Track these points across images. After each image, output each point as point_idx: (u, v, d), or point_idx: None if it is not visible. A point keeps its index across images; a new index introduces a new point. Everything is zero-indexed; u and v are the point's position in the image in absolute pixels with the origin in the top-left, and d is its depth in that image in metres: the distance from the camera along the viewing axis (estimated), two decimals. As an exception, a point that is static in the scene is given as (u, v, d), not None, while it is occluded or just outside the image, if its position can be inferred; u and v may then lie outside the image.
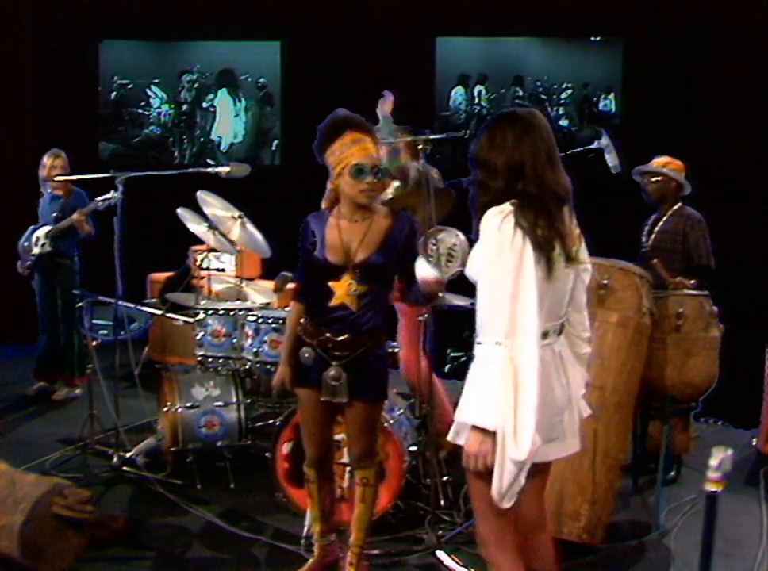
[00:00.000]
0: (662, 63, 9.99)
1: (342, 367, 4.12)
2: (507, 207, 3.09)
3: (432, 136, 4.83)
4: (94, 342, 6.46)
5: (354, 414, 4.24)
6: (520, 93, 11.15)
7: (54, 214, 7.43)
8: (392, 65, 10.16)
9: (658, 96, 9.99)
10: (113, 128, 11.66)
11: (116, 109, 11.63)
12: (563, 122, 11.16)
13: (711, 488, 2.29)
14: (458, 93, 11.33)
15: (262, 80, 11.65)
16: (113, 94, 11.53)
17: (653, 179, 6.02)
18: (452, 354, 9.05)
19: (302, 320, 4.23)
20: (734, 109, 9.43)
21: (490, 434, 3.00)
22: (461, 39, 11.04)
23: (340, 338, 4.11)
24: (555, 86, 11.15)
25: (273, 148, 11.76)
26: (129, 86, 11.62)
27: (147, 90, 11.69)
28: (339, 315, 4.09)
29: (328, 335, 4.11)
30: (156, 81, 11.66)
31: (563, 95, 11.14)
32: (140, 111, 11.72)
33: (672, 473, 5.91)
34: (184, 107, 11.61)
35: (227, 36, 11.24)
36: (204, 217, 6.53)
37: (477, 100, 11.33)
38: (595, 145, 5.29)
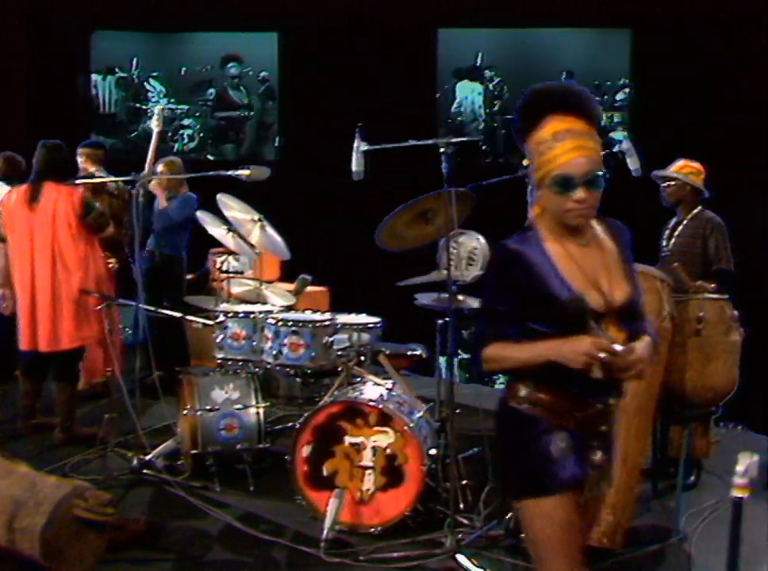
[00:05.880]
0: (673, 53, 9.97)
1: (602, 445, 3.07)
2: None
3: (453, 140, 4.80)
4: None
5: (598, 501, 3.23)
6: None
7: None
8: (393, 55, 10.18)
9: (670, 87, 9.97)
10: (111, 123, 11.68)
11: (114, 104, 11.65)
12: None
13: (737, 494, 2.27)
14: (473, 91, 11.31)
15: (263, 74, 11.64)
16: (111, 88, 11.57)
17: (668, 184, 6.02)
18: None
19: (529, 390, 2.98)
20: (749, 103, 9.41)
21: None
22: (464, 30, 11.04)
23: (610, 405, 3.02)
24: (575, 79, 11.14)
25: (276, 144, 11.78)
26: (127, 80, 11.65)
27: (146, 84, 11.69)
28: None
29: (599, 406, 2.98)
30: (155, 74, 11.66)
31: None
32: (137, 105, 11.73)
33: (692, 478, 5.89)
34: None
35: (223, 28, 11.24)
36: (224, 220, 6.55)
37: (494, 94, 11.32)
38: (616, 149, 5.27)
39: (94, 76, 11.61)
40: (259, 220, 6.42)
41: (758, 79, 9.54)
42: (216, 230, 6.67)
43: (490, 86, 11.33)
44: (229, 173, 5.94)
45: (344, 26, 10.73)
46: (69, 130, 9.68)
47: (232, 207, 6.44)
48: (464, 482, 5.42)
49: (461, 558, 4.68)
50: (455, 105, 11.37)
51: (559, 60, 11.15)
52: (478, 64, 11.38)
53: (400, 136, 5.06)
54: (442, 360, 5.75)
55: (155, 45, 11.83)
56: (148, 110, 11.68)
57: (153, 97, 11.78)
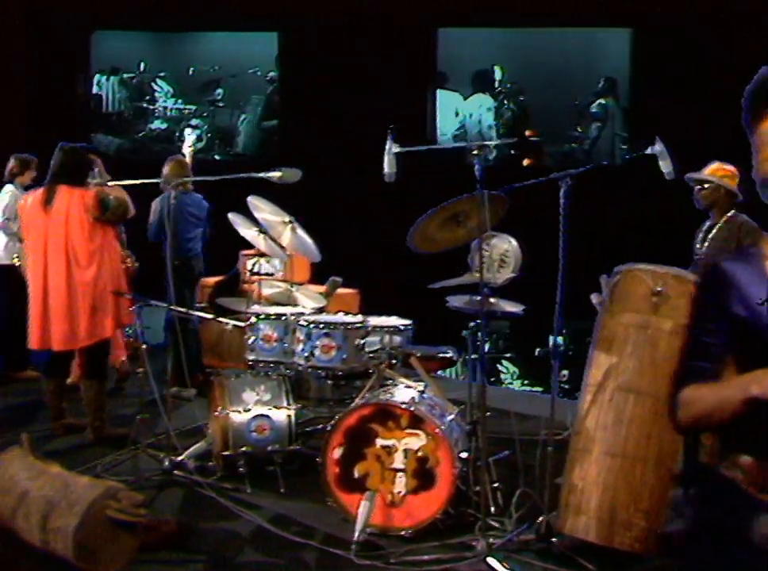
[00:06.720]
0: (673, 53, 9.91)
1: None
2: None
3: (486, 143, 4.79)
4: (144, 346, 6.50)
5: None
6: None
7: None
8: (393, 55, 10.19)
9: (670, 87, 9.91)
10: (118, 123, 11.73)
11: (118, 103, 11.70)
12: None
13: (775, 500, 2.24)
14: (481, 106, 11.21)
15: (271, 74, 11.66)
16: (115, 88, 11.63)
17: (702, 187, 5.98)
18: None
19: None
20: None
21: None
22: (465, 29, 11.02)
23: None
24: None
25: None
26: (132, 80, 11.70)
27: (153, 84, 11.73)
28: None
29: None
30: (162, 74, 11.70)
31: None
32: (144, 105, 11.77)
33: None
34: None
35: (223, 28, 11.27)
36: (254, 222, 6.56)
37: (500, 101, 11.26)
38: (649, 151, 5.24)
39: (97, 76, 11.66)
40: (290, 222, 6.43)
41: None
42: (247, 232, 6.68)
43: (498, 92, 11.21)
44: (260, 175, 5.95)
45: (344, 26, 10.74)
46: (69, 130, 9.74)
47: (263, 209, 6.45)
48: (495, 485, 5.42)
49: (492, 561, 4.66)
50: (456, 125, 11.22)
51: (559, 60, 11.08)
52: (489, 70, 11.30)
53: (401, 136, 5.05)
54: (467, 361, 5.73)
55: (162, 45, 11.88)
56: (155, 110, 11.73)
57: (160, 97, 11.81)
